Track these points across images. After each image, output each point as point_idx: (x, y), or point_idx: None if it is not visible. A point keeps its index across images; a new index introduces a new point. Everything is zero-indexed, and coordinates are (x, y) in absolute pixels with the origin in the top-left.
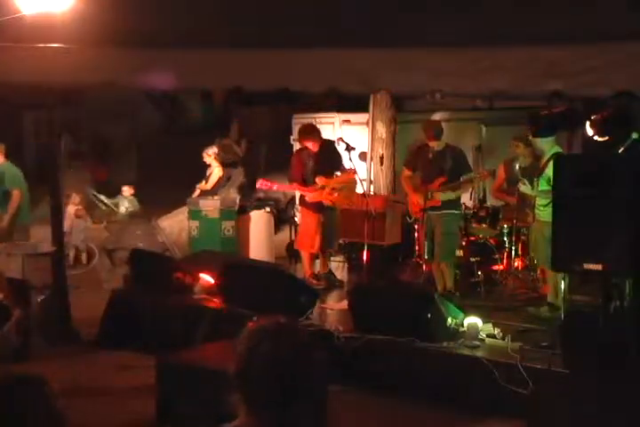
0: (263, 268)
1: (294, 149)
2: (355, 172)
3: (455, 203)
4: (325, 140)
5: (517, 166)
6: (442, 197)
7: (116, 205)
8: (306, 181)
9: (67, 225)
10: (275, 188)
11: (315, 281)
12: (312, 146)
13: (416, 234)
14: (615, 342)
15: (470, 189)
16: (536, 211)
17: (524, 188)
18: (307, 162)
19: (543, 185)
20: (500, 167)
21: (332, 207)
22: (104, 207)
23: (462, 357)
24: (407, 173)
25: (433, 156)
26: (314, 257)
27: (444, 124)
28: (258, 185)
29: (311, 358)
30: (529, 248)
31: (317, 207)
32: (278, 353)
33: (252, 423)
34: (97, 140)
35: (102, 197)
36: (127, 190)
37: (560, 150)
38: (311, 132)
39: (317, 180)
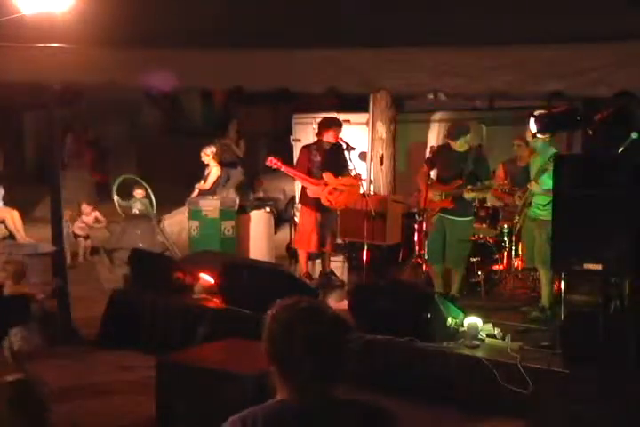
0: (263, 268)
1: (294, 149)
2: (360, 178)
3: (469, 209)
4: (338, 142)
5: (538, 166)
6: (466, 195)
7: (130, 208)
8: (311, 175)
9: (81, 232)
10: (283, 169)
11: (308, 280)
12: (332, 137)
13: (416, 234)
14: (615, 342)
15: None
16: (534, 210)
17: (536, 186)
18: (314, 157)
19: (547, 183)
20: (499, 167)
21: (329, 208)
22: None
23: (462, 357)
24: (425, 169)
25: (454, 156)
26: (310, 256)
27: (443, 124)
28: (267, 162)
29: (347, 334)
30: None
31: (317, 206)
32: (320, 331)
33: (295, 399)
34: (97, 141)
35: (117, 201)
36: (140, 193)
37: (555, 151)
38: (335, 121)
39: (325, 175)
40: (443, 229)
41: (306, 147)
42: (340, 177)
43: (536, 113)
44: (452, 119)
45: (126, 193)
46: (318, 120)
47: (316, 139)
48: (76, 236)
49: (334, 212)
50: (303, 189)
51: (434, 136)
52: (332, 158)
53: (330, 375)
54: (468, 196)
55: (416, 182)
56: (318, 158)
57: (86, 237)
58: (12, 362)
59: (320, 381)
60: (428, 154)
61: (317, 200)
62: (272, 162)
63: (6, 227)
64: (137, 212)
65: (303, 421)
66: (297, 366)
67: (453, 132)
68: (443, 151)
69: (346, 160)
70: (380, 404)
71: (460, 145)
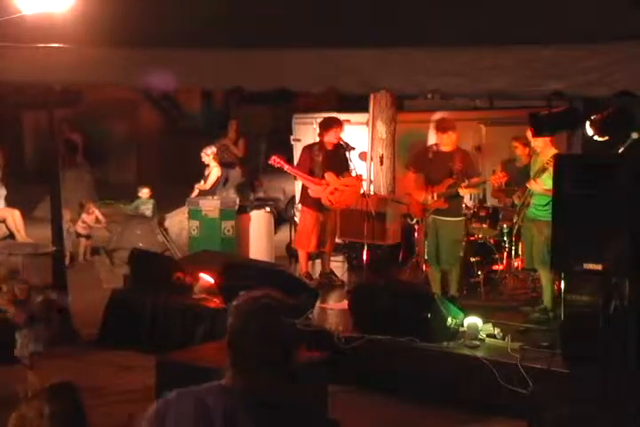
0: (263, 268)
1: (294, 149)
2: (361, 178)
3: (459, 209)
4: (339, 142)
5: (538, 166)
6: (462, 192)
7: (137, 209)
8: (312, 175)
9: (84, 231)
10: (285, 168)
11: (308, 280)
12: (333, 136)
13: (416, 234)
14: (615, 342)
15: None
16: (532, 210)
17: (535, 185)
18: (315, 157)
19: (547, 183)
20: (498, 167)
21: (329, 208)
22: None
23: (462, 357)
24: (411, 175)
25: (440, 156)
26: (310, 256)
27: None
28: (270, 161)
29: (293, 329)
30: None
31: (318, 206)
32: (269, 327)
33: (239, 384)
34: (95, 141)
35: (120, 205)
36: (146, 193)
37: (555, 151)
38: (335, 120)
39: (327, 175)
40: (436, 231)
41: (308, 146)
42: (341, 177)
43: (536, 113)
44: (451, 119)
45: (127, 193)
46: (319, 120)
47: (318, 139)
48: (78, 235)
49: (334, 212)
50: (304, 189)
51: (434, 136)
52: (334, 159)
53: (273, 368)
54: (463, 192)
55: (404, 187)
56: (320, 158)
57: (88, 237)
58: (25, 363)
59: (265, 372)
60: (412, 158)
61: (318, 200)
62: (275, 161)
63: (7, 226)
64: (148, 213)
65: (230, 404)
66: (244, 355)
67: (444, 125)
68: (428, 153)
69: (347, 161)
70: (321, 412)
71: (446, 144)
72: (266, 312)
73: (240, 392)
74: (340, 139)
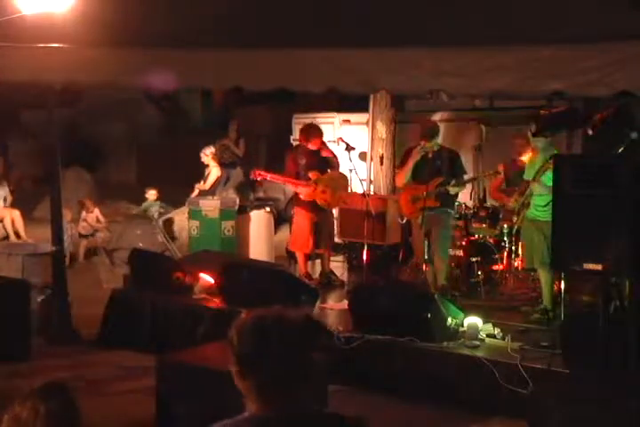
0: (263, 268)
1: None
2: (337, 164)
3: (451, 206)
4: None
5: (537, 166)
6: (452, 190)
7: (147, 211)
8: (299, 178)
9: (85, 231)
10: (268, 177)
11: (308, 280)
12: (312, 146)
13: (411, 235)
14: (615, 342)
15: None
16: (532, 211)
17: (537, 186)
18: (300, 160)
19: (548, 182)
20: (499, 168)
21: (325, 209)
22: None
23: (462, 357)
24: (400, 175)
25: (428, 156)
26: (309, 256)
27: (444, 125)
28: (251, 175)
29: (314, 344)
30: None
31: (311, 207)
32: (286, 343)
33: (264, 410)
34: (93, 141)
35: (130, 207)
36: (153, 194)
37: (556, 151)
38: (313, 132)
39: (311, 174)
40: (429, 226)
41: (291, 150)
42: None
43: (537, 113)
44: (452, 119)
45: (127, 193)
46: (318, 120)
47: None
48: (80, 236)
49: (329, 212)
50: (296, 192)
51: None
52: (317, 159)
53: (298, 386)
54: (453, 190)
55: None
56: (304, 161)
57: (92, 235)
58: None
59: (290, 391)
60: (400, 158)
61: (310, 201)
62: (257, 174)
63: (4, 227)
64: (157, 215)
65: None
66: (267, 377)
67: (427, 132)
68: (415, 153)
69: (333, 159)
70: (360, 418)
71: (432, 145)
72: (280, 331)
73: (272, 419)
74: (341, 139)
